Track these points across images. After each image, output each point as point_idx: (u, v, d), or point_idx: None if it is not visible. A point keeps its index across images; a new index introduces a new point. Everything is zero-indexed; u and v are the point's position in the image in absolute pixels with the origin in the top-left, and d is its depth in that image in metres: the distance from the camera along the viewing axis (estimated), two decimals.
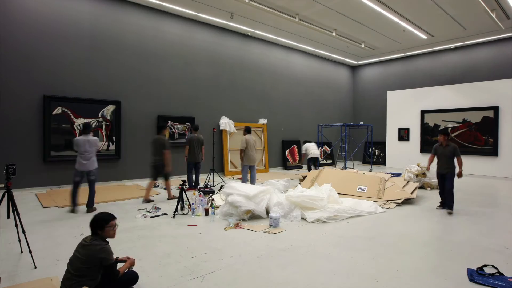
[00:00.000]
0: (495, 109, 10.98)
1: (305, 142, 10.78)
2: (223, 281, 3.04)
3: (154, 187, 7.93)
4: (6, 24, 7.01)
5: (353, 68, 16.61)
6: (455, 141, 11.79)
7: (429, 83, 13.34)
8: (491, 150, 11.04)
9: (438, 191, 6.28)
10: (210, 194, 6.79)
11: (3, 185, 3.40)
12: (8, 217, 3.41)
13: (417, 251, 3.96)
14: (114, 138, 8.50)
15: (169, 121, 9.54)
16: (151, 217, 5.27)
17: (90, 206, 5.53)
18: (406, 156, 12.74)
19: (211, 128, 10.55)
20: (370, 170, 11.01)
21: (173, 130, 9.64)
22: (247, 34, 11.47)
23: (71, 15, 7.86)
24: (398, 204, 6.32)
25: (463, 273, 3.26)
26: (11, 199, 3.42)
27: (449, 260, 3.62)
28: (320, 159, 10.90)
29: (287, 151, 12.96)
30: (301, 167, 13.12)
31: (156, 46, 9.27)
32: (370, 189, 6.82)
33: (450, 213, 5.73)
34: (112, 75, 8.52)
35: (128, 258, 2.97)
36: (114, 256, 2.79)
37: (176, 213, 5.34)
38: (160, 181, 7.43)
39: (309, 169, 10.21)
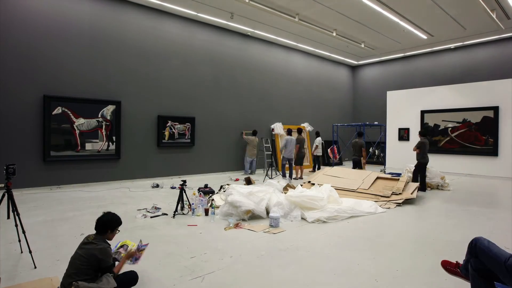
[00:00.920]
0: (495, 109, 10.98)
1: (317, 134, 11.20)
2: (223, 281, 3.04)
3: (152, 187, 7.97)
4: (6, 24, 7.01)
5: (353, 68, 16.61)
6: (455, 141, 11.81)
7: (429, 83, 13.34)
8: (491, 150, 11.04)
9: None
10: (210, 194, 6.78)
11: (3, 185, 3.40)
12: (8, 217, 3.40)
13: (417, 251, 3.96)
14: (114, 138, 8.50)
15: (169, 121, 9.55)
16: (151, 217, 5.27)
17: None
18: (406, 156, 12.72)
19: (211, 128, 10.58)
20: (382, 171, 11.01)
21: (173, 130, 9.64)
22: (247, 34, 11.47)
23: (71, 15, 7.86)
24: (398, 204, 6.32)
25: None
26: (11, 199, 3.41)
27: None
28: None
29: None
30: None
31: (156, 46, 9.27)
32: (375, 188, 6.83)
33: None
34: (112, 75, 8.52)
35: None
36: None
37: (176, 213, 5.34)
38: (158, 182, 7.42)
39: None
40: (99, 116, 8.28)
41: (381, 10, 9.04)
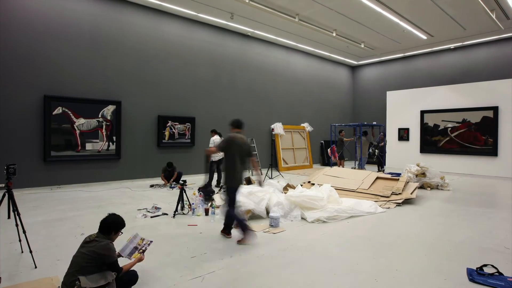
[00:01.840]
0: (495, 109, 10.99)
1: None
2: (223, 281, 3.04)
3: (151, 186, 8.02)
4: (6, 25, 7.02)
5: (353, 68, 16.62)
6: (454, 141, 11.81)
7: (429, 83, 13.35)
8: (491, 150, 11.04)
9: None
10: (210, 194, 6.78)
11: (3, 185, 3.40)
12: (9, 217, 3.41)
13: (417, 251, 3.97)
14: (114, 138, 8.51)
15: (169, 121, 9.55)
16: (151, 217, 5.27)
17: None
18: (406, 156, 12.74)
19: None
20: (383, 171, 10.98)
21: (173, 130, 9.65)
22: (247, 34, 11.47)
23: (71, 15, 7.86)
24: (398, 204, 6.33)
25: (463, 273, 3.27)
26: (11, 199, 3.42)
27: (449, 260, 3.62)
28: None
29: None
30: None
31: (156, 46, 9.28)
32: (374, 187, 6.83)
33: None
34: (112, 75, 8.52)
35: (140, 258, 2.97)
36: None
37: (176, 213, 5.35)
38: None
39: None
40: (100, 116, 8.28)
41: (381, 10, 9.04)
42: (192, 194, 6.02)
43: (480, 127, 11.33)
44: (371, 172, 7.89)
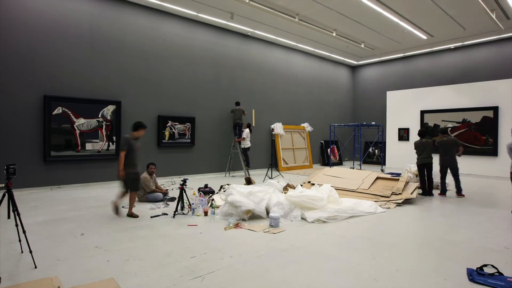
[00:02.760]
0: (495, 109, 10.99)
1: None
2: (223, 281, 3.04)
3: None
4: (6, 25, 7.02)
5: (353, 68, 16.62)
6: None
7: (429, 83, 13.35)
8: (491, 150, 11.04)
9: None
10: (210, 194, 6.79)
11: (3, 185, 3.40)
12: (9, 217, 3.40)
13: (416, 251, 3.97)
14: (114, 138, 8.51)
15: (170, 121, 9.55)
16: (151, 217, 5.28)
17: None
18: (406, 156, 12.73)
19: (211, 128, 10.58)
20: (383, 170, 11.02)
21: (173, 130, 9.65)
22: (247, 34, 11.47)
23: (71, 15, 7.86)
24: (398, 204, 6.33)
25: (462, 273, 3.27)
26: (11, 199, 3.41)
27: (449, 260, 3.62)
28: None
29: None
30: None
31: (156, 46, 9.27)
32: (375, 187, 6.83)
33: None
34: (112, 75, 8.52)
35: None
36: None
37: (176, 213, 5.35)
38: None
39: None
40: (99, 116, 8.28)
41: (381, 10, 9.04)
42: (192, 194, 6.02)
43: (480, 127, 11.33)
44: (371, 172, 7.89)
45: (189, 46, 10.01)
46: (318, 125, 14.56)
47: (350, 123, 14.45)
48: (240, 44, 11.41)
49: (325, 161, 14.34)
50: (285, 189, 6.90)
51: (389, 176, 7.94)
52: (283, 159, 12.30)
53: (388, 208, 6.08)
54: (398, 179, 7.37)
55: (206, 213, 5.42)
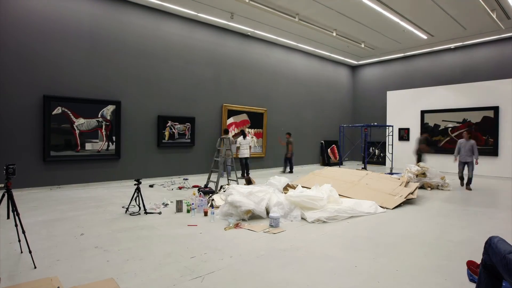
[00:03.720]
0: (495, 109, 10.99)
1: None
2: (223, 281, 3.04)
3: (150, 186, 8.00)
4: (6, 25, 7.01)
5: (353, 68, 16.61)
6: (455, 141, 11.79)
7: (429, 83, 13.34)
8: (491, 150, 11.04)
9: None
10: (210, 194, 6.79)
11: (3, 185, 3.39)
12: (8, 217, 3.40)
13: (417, 251, 3.96)
14: (114, 138, 8.50)
15: (169, 121, 9.54)
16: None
17: None
18: (406, 156, 12.73)
19: (210, 128, 10.57)
20: (390, 173, 10.71)
21: (173, 130, 9.64)
22: (247, 34, 11.47)
23: (71, 15, 7.85)
24: (398, 204, 6.32)
25: (463, 273, 3.26)
26: (11, 199, 3.41)
27: (449, 260, 3.62)
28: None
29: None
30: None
31: (156, 46, 9.27)
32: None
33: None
34: (112, 75, 8.52)
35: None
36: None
37: (127, 211, 5.48)
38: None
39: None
40: (99, 116, 8.28)
41: (381, 10, 9.04)
42: (192, 194, 6.02)
43: (481, 127, 11.33)
44: (368, 172, 7.87)
45: (189, 46, 10.01)
46: (318, 125, 14.56)
47: (356, 124, 14.39)
48: (240, 44, 11.41)
49: (325, 161, 14.33)
50: (285, 189, 6.89)
51: (389, 176, 7.92)
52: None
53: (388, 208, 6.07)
54: (398, 179, 7.36)
55: (206, 213, 5.41)
